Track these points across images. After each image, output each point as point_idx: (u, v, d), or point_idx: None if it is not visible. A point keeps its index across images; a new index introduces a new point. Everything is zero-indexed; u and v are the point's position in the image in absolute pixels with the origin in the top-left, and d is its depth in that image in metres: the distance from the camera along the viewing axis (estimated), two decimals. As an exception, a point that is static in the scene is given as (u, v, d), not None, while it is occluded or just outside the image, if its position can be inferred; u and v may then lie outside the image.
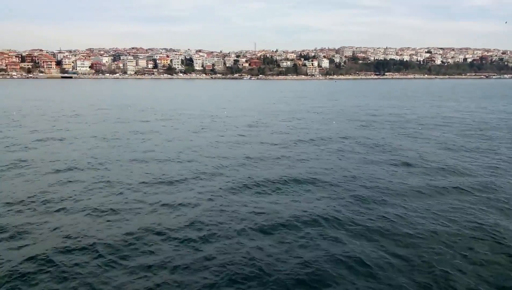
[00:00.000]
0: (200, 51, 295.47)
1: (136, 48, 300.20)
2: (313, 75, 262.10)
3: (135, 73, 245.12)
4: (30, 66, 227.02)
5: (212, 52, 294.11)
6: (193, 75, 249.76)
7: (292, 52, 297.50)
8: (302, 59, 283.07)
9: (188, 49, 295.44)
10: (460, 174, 18.87)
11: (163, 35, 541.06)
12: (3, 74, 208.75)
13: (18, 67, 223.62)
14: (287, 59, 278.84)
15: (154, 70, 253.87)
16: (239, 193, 16.11)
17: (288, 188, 16.88)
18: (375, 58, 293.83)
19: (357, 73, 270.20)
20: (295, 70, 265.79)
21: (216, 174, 18.86)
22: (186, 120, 40.87)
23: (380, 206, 14.58)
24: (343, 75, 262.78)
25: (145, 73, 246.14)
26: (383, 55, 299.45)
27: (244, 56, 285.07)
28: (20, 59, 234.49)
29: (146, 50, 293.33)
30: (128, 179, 17.75)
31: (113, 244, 11.32)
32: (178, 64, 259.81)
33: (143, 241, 11.55)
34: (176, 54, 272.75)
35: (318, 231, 12.31)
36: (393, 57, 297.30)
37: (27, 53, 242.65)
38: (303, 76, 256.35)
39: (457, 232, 12.25)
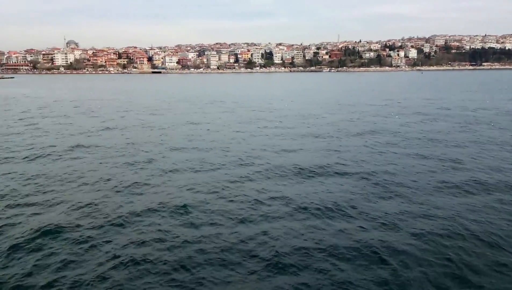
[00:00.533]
0: (280, 44, 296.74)
1: (220, 43, 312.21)
2: (398, 66, 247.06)
3: (218, 67, 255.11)
4: (125, 62, 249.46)
5: (292, 45, 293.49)
6: (272, 69, 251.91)
7: (377, 43, 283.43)
8: (387, 49, 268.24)
9: (269, 43, 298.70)
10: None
11: (245, 30, 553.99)
12: (102, 70, 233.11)
13: (115, 63, 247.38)
14: (371, 50, 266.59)
15: (235, 64, 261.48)
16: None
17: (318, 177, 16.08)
18: (471, 47, 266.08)
19: (450, 64, 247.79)
20: (379, 61, 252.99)
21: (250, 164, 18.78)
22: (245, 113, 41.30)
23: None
24: (432, 66, 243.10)
25: (226, 68, 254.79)
26: (481, 44, 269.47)
27: (325, 48, 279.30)
28: (117, 55, 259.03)
29: (229, 45, 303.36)
30: (190, 163, 18.54)
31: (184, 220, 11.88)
32: (258, 58, 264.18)
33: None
34: (256, 48, 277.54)
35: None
36: (492, 45, 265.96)
37: (123, 50, 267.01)
38: (387, 68, 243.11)
39: None
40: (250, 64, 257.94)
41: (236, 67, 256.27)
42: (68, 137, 27.08)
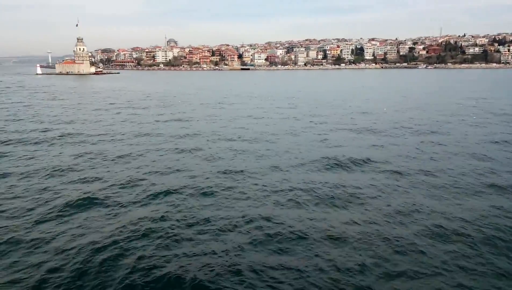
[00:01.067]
0: (373, 39, 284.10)
1: (309, 39, 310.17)
2: (508, 62, 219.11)
3: (305, 64, 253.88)
4: (218, 60, 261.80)
5: (386, 40, 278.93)
6: (362, 65, 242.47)
7: (484, 37, 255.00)
8: (496, 44, 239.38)
9: (361, 38, 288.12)
10: None
11: (337, 26, 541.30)
12: (196, 66, 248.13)
13: (208, 60, 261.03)
14: (475, 45, 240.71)
15: (323, 60, 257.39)
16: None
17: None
18: None
19: None
20: (485, 57, 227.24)
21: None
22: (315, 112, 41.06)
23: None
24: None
25: (314, 64, 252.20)
26: None
27: (422, 43, 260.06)
28: (211, 53, 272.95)
29: (318, 41, 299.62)
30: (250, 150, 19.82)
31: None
32: (347, 54, 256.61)
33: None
34: (346, 44, 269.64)
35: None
36: None
37: (216, 48, 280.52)
38: (494, 64, 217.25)
39: None
40: (338, 60, 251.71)
41: (323, 64, 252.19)
42: (138, 126, 30.09)
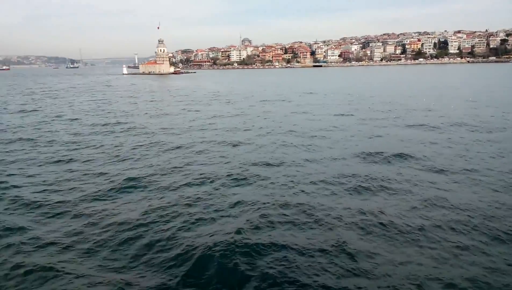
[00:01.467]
0: (459, 32, 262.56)
1: (387, 34, 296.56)
2: None
3: (382, 59, 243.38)
4: (290, 57, 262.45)
5: (474, 32, 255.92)
6: (445, 59, 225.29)
7: None
8: None
9: (445, 31, 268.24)
10: None
11: (418, 18, 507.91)
12: (269, 64, 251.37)
13: (281, 58, 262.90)
14: None
15: (402, 55, 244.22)
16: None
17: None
18: None
19: None
20: None
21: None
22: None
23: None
24: None
25: (391, 59, 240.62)
26: None
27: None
28: (283, 51, 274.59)
29: (397, 35, 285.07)
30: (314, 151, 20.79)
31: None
32: (429, 48, 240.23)
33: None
34: (428, 38, 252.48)
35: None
36: None
37: (289, 45, 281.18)
38: None
39: None
40: (419, 55, 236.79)
41: (402, 59, 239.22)
42: (198, 120, 32.12)
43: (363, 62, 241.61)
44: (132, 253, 9.94)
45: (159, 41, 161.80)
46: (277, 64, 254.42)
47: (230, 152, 20.22)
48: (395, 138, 22.94)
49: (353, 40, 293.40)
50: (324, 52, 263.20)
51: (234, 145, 21.88)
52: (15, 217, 12.27)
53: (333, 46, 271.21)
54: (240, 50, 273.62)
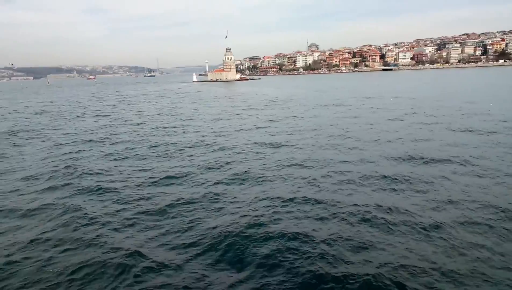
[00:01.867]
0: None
1: (467, 34, 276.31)
2: None
3: (459, 61, 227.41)
4: (358, 61, 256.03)
5: None
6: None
7: None
8: None
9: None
10: None
11: (501, 17, 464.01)
12: (335, 69, 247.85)
13: (348, 62, 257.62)
14: None
15: (482, 57, 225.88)
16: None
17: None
18: None
19: None
20: None
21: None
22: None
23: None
24: None
25: (470, 61, 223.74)
26: None
27: None
28: (351, 55, 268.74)
29: (478, 35, 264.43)
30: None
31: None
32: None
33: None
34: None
35: None
36: None
37: (357, 49, 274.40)
38: None
39: None
40: (502, 55, 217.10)
41: (482, 60, 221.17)
42: (248, 122, 33.98)
43: (437, 65, 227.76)
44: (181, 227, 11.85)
45: (226, 49, 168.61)
46: (344, 68, 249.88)
47: (267, 153, 21.54)
48: (439, 143, 22.47)
49: (428, 42, 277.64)
50: (395, 55, 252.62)
51: (275, 147, 23.11)
52: (90, 199, 14.83)
53: (405, 49, 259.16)
54: (306, 56, 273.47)
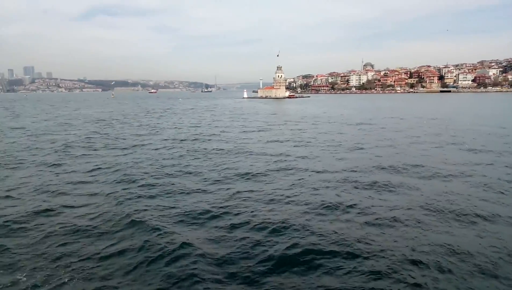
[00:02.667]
0: None
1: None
2: None
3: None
4: (414, 82, 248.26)
5: None
6: None
7: None
8: None
9: None
10: None
11: None
12: (389, 89, 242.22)
13: (404, 82, 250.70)
14: None
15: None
16: None
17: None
18: None
19: None
20: None
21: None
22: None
23: None
24: None
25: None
26: None
27: None
28: (408, 75, 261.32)
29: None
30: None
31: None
32: None
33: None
34: None
35: None
36: None
37: (415, 69, 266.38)
38: None
39: None
40: None
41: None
42: (277, 136, 36.26)
43: (499, 88, 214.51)
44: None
45: (277, 67, 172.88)
46: (398, 89, 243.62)
47: (279, 166, 23.52)
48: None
49: (493, 64, 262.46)
50: (455, 76, 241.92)
51: (305, 159, 25.10)
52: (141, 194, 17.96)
53: (466, 70, 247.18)
54: (360, 75, 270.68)
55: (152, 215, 14.00)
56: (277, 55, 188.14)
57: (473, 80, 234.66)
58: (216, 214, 14.19)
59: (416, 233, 12.25)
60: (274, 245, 11.44)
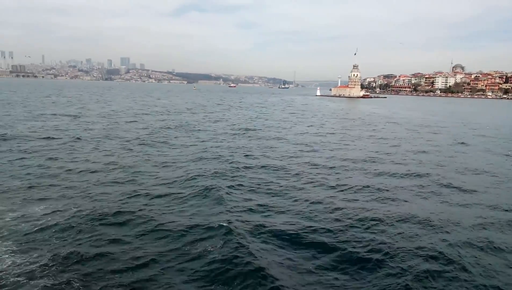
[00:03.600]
0: None
1: None
2: None
3: None
4: (510, 87, 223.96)
5: None
6: None
7: None
8: None
9: None
10: None
11: None
12: (479, 94, 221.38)
13: (497, 87, 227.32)
14: None
15: None
16: None
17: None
18: None
19: None
20: None
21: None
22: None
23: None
24: None
25: None
26: None
27: None
28: (503, 80, 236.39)
29: None
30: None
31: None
32: None
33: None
34: None
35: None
36: None
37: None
38: None
39: None
40: None
41: None
42: (322, 138, 36.92)
43: None
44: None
45: (353, 66, 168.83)
46: (489, 94, 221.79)
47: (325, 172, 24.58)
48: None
49: None
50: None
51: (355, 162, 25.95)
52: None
53: None
54: (447, 77, 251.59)
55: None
56: (355, 54, 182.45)
57: None
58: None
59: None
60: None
